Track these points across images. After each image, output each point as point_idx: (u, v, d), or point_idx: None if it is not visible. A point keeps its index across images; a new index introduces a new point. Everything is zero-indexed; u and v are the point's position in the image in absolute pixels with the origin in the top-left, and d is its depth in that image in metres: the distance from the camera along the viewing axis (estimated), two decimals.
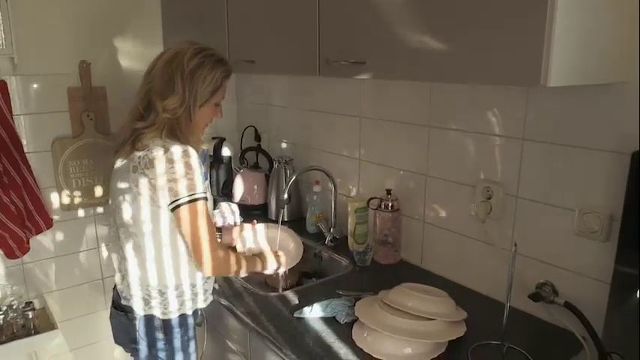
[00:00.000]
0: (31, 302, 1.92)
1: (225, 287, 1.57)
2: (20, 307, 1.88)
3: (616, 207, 1.15)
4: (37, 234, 1.96)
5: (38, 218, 1.94)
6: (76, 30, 1.97)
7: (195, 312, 1.42)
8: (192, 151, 1.26)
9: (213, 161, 2.30)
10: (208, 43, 1.36)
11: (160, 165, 1.22)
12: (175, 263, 1.33)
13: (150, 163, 1.23)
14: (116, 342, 1.48)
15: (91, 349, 2.20)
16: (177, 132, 1.28)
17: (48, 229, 1.98)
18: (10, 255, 1.88)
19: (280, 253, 1.56)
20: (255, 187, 2.24)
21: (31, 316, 1.86)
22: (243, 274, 1.41)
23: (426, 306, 1.23)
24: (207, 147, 2.26)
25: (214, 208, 1.65)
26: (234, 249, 1.60)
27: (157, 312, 1.34)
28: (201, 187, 1.26)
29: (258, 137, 2.33)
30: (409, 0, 1.13)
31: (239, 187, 2.24)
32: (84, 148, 2.04)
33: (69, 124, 2.01)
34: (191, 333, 1.41)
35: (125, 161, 1.31)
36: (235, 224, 1.68)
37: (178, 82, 1.28)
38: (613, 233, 1.17)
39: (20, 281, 2.00)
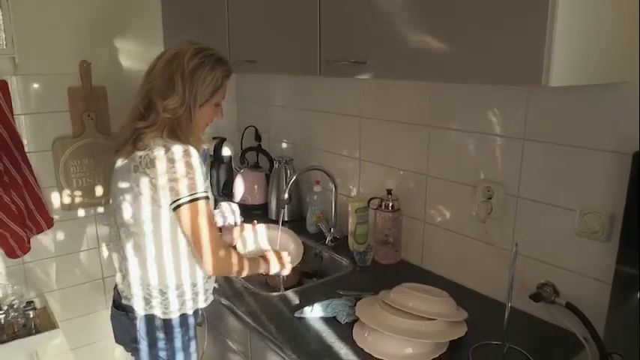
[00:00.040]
0: (32, 302, 1.92)
1: (226, 287, 1.57)
2: (21, 306, 1.88)
3: (617, 207, 1.15)
4: (37, 233, 1.96)
5: (39, 218, 1.94)
6: (76, 30, 1.97)
7: (195, 312, 1.42)
8: (193, 150, 1.26)
9: (214, 161, 2.30)
10: (209, 43, 1.36)
11: (161, 164, 1.22)
12: (176, 263, 1.33)
13: (151, 163, 1.23)
14: (117, 341, 1.48)
15: (92, 349, 2.20)
16: (177, 132, 1.28)
17: (49, 228, 1.98)
18: (11, 254, 1.89)
19: (284, 254, 1.56)
20: (256, 187, 2.24)
21: (31, 316, 1.86)
22: (245, 274, 1.41)
23: (426, 306, 1.23)
24: (208, 147, 2.26)
25: (215, 208, 1.65)
26: (235, 249, 1.60)
27: (158, 312, 1.35)
28: (202, 186, 1.26)
29: (258, 137, 2.33)
30: (410, 0, 1.13)
31: (239, 187, 2.24)
32: (84, 147, 2.04)
33: (69, 123, 2.01)
34: (192, 333, 1.42)
35: (126, 161, 1.31)
36: (236, 224, 1.68)
37: (178, 82, 1.28)
38: (614, 233, 1.17)
39: (21, 281, 2.00)
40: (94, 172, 2.08)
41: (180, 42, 1.35)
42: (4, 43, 1.80)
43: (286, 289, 1.61)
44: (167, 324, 1.36)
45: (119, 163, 1.34)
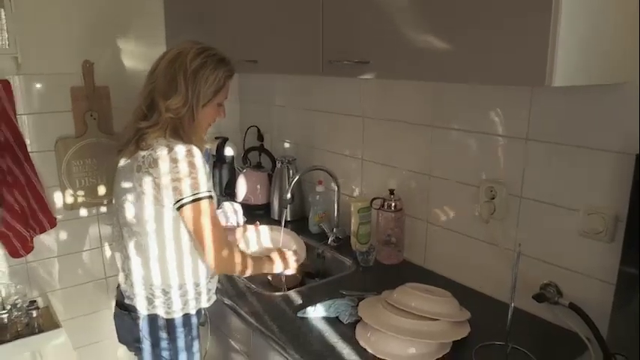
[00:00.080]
0: (35, 301, 1.93)
1: (229, 287, 1.57)
2: (24, 305, 1.88)
3: (621, 207, 1.14)
4: (40, 233, 1.96)
5: (42, 217, 1.94)
6: (79, 30, 1.97)
7: (198, 311, 1.42)
8: (196, 150, 1.26)
9: (216, 161, 2.31)
10: (211, 43, 1.36)
11: (164, 164, 1.23)
12: (179, 262, 1.33)
13: (154, 163, 1.23)
14: (120, 341, 1.48)
15: (95, 348, 2.21)
16: (180, 132, 1.28)
17: (51, 228, 1.99)
18: (14, 254, 1.89)
19: (289, 253, 1.56)
20: (258, 186, 2.24)
21: (34, 315, 1.87)
22: (249, 273, 1.41)
23: (429, 306, 1.23)
24: (210, 147, 2.27)
25: (217, 208, 1.66)
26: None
27: (161, 311, 1.35)
28: (205, 186, 1.26)
29: (260, 137, 2.33)
30: (414, 0, 1.13)
31: (242, 187, 2.24)
32: (87, 147, 2.05)
33: (72, 123, 2.01)
34: (194, 332, 1.42)
35: (129, 161, 1.31)
36: (238, 224, 1.68)
37: (181, 82, 1.28)
38: (618, 234, 1.17)
39: (24, 280, 2.00)
40: (96, 171, 2.09)
41: (182, 42, 1.35)
42: (7, 42, 1.80)
43: (289, 289, 1.61)
44: (170, 324, 1.36)
45: (122, 162, 1.35)
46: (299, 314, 1.37)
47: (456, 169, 1.54)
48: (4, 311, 1.84)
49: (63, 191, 2.04)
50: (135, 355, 1.44)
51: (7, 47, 1.80)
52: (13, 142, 1.83)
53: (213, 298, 1.45)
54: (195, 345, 1.42)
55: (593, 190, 1.22)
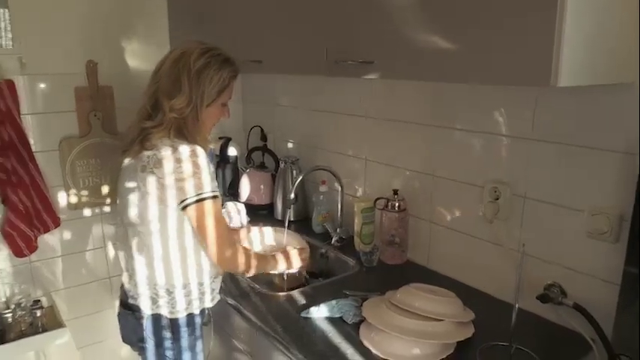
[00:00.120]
0: (39, 300, 1.93)
1: (232, 287, 1.57)
2: (28, 305, 1.89)
3: (626, 208, 1.14)
4: (44, 233, 1.97)
5: (46, 217, 1.95)
6: (83, 30, 1.98)
7: (202, 311, 1.42)
8: (200, 150, 1.26)
9: (220, 161, 2.31)
10: (215, 43, 1.36)
11: (169, 164, 1.23)
12: (183, 262, 1.33)
13: (158, 163, 1.23)
14: (124, 340, 1.49)
15: (98, 348, 2.21)
16: (184, 131, 1.29)
17: (56, 227, 1.99)
18: (19, 254, 1.90)
19: (293, 252, 1.56)
20: (262, 186, 2.24)
21: (38, 315, 1.87)
22: (253, 272, 1.41)
23: (433, 306, 1.23)
24: (214, 146, 2.27)
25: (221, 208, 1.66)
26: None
27: (165, 311, 1.35)
28: (209, 186, 1.26)
29: (264, 137, 2.34)
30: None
31: (245, 187, 2.24)
32: (91, 147, 2.05)
33: (76, 123, 2.02)
34: (198, 332, 1.42)
35: (133, 160, 1.31)
36: (242, 224, 1.68)
37: (185, 82, 1.28)
38: (623, 234, 1.16)
39: (28, 280, 2.01)
40: (100, 171, 2.09)
41: (186, 42, 1.35)
42: (11, 42, 1.81)
43: (292, 289, 1.61)
44: (174, 323, 1.36)
45: (126, 162, 1.35)
46: (302, 314, 1.37)
47: (460, 169, 1.54)
48: (8, 311, 1.85)
49: (67, 191, 2.04)
50: (138, 354, 1.45)
51: (11, 47, 1.81)
52: (18, 141, 1.84)
53: (217, 297, 1.45)
54: (199, 345, 1.43)
55: (597, 190, 1.21)
